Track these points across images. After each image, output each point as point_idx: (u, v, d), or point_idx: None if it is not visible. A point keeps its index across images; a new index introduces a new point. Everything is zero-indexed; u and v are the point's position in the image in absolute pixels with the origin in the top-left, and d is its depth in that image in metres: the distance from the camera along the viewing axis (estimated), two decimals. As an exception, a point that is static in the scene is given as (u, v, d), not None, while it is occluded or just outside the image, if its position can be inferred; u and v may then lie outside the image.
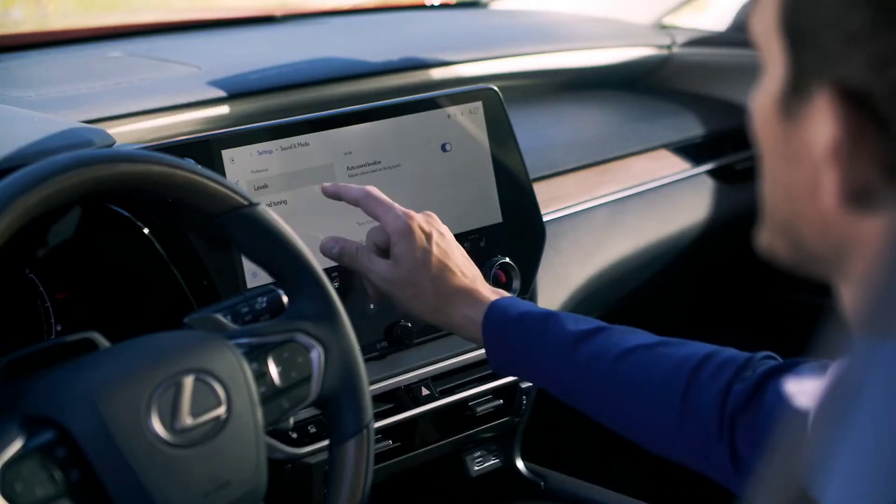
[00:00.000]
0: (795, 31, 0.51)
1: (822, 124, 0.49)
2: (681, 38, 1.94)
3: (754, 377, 0.90)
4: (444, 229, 1.09)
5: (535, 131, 1.54)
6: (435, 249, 1.06)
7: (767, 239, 0.57)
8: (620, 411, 0.99)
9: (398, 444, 1.18)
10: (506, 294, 1.07)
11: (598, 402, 1.00)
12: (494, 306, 1.03)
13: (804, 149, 0.51)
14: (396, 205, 1.08)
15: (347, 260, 1.09)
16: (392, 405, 1.17)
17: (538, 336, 1.00)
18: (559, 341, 0.99)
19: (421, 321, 1.10)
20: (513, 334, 1.01)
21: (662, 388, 0.94)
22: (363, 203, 1.08)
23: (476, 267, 1.09)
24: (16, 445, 0.72)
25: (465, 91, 1.25)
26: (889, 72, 0.47)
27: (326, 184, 1.11)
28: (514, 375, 1.04)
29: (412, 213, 1.07)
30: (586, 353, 0.98)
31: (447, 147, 1.23)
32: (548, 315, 1.01)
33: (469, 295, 1.05)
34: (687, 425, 0.93)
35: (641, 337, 0.99)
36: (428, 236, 1.06)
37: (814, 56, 0.50)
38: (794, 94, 0.51)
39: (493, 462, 1.31)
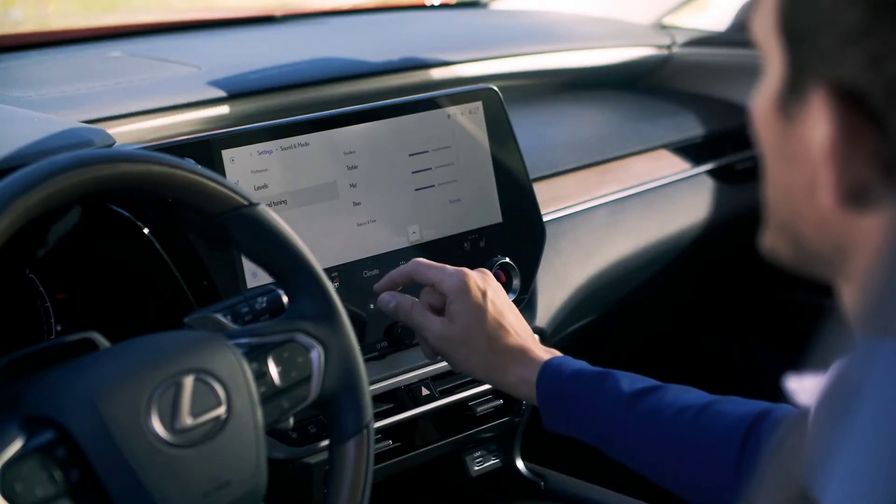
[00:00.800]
0: (792, 31, 0.51)
1: (819, 124, 0.50)
2: (681, 38, 1.94)
3: None
4: (498, 286, 1.09)
5: (535, 131, 1.54)
6: (490, 308, 1.06)
7: (770, 239, 0.57)
8: (676, 470, 0.99)
9: (398, 444, 1.18)
10: (557, 353, 1.07)
11: (653, 461, 1.00)
12: (548, 365, 1.04)
13: (802, 148, 0.51)
14: (448, 266, 1.08)
15: (403, 316, 1.10)
16: (392, 405, 1.17)
17: (593, 394, 1.01)
18: (614, 399, 1.00)
19: (475, 378, 1.11)
20: (567, 393, 1.02)
21: (718, 448, 0.95)
22: (416, 275, 1.09)
23: (528, 327, 1.10)
24: (16, 445, 0.72)
25: (465, 91, 1.25)
26: (884, 70, 0.47)
27: (376, 284, 1.12)
28: (568, 434, 1.04)
29: (467, 270, 1.07)
30: (641, 411, 0.99)
31: (447, 147, 1.23)
32: (603, 374, 1.02)
33: (523, 354, 1.05)
34: (743, 486, 0.92)
35: (696, 396, 0.99)
36: (483, 294, 1.06)
37: (810, 56, 0.50)
38: (792, 94, 0.51)
39: (493, 462, 1.31)
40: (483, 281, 1.08)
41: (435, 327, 1.07)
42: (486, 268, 1.23)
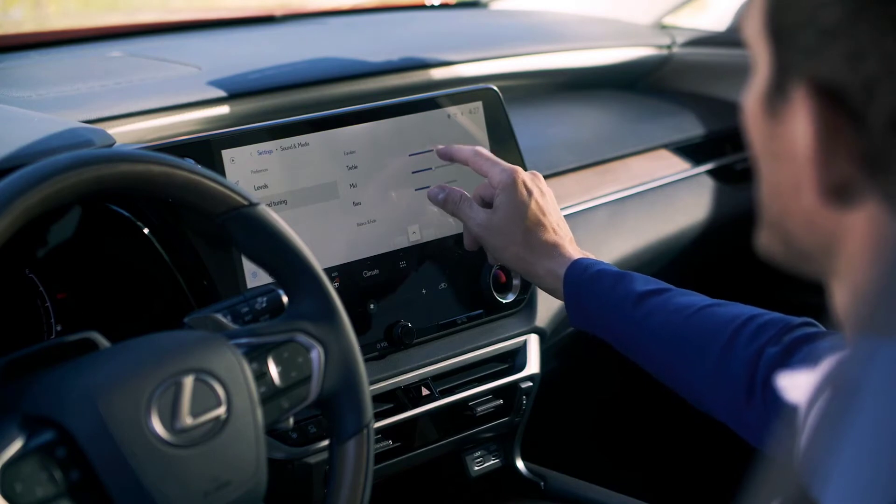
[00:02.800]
0: (777, 30, 0.52)
1: (802, 121, 0.50)
2: (681, 38, 1.94)
3: (788, 341, 0.92)
4: (547, 189, 1.15)
5: (535, 131, 1.54)
6: (532, 204, 1.11)
7: (764, 238, 0.58)
8: (666, 365, 1.04)
9: (398, 444, 1.18)
10: (590, 255, 1.12)
11: (653, 356, 1.05)
12: (577, 263, 1.09)
13: (787, 146, 0.52)
14: (503, 161, 1.15)
15: (451, 206, 1.16)
16: (392, 405, 1.17)
17: (608, 293, 1.06)
18: (624, 299, 1.05)
19: (508, 268, 1.17)
20: (587, 290, 1.07)
21: (704, 345, 0.99)
22: (472, 160, 1.16)
23: (569, 229, 1.14)
24: (16, 445, 0.72)
25: (465, 91, 1.25)
26: (862, 66, 0.48)
27: (440, 146, 1.19)
28: (587, 329, 1.10)
29: (518, 168, 1.13)
30: (647, 308, 1.04)
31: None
32: (621, 275, 1.07)
33: (555, 249, 1.10)
34: (720, 383, 0.97)
35: (697, 298, 1.04)
36: (529, 192, 1.12)
37: (792, 54, 0.51)
38: (777, 93, 0.52)
39: (493, 462, 1.31)
40: (532, 180, 1.13)
41: (478, 216, 1.13)
42: (485, 268, 1.23)
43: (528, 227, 1.10)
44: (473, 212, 1.14)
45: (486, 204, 1.15)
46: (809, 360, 0.88)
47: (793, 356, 0.92)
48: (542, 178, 1.15)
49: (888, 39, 0.47)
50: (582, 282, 1.07)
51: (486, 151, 1.16)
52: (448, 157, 1.19)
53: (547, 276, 1.10)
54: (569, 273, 1.08)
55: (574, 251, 1.11)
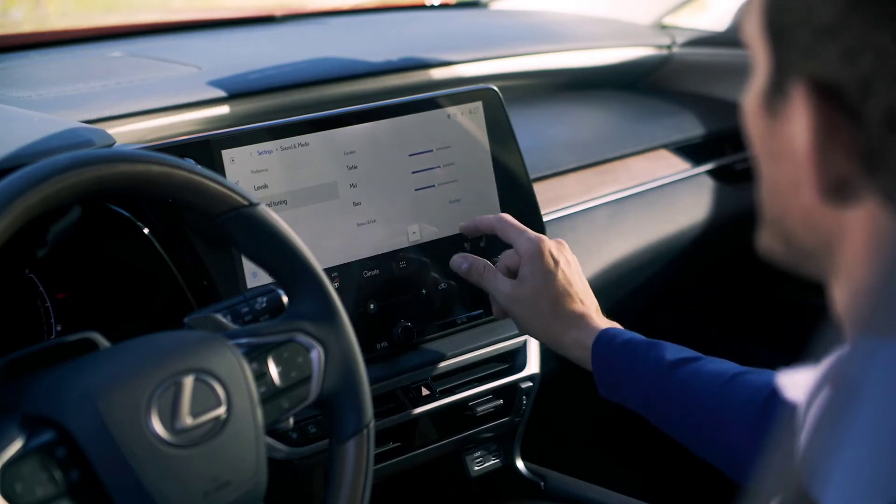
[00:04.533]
0: (775, 29, 0.52)
1: (800, 120, 0.50)
2: (681, 38, 1.94)
3: None
4: (572, 258, 1.15)
5: (535, 131, 1.54)
6: (559, 275, 1.11)
7: (765, 238, 0.58)
8: (701, 434, 1.03)
9: (398, 444, 1.18)
10: (617, 325, 1.11)
11: (685, 425, 1.04)
12: (604, 333, 1.08)
13: (786, 145, 0.52)
14: (529, 230, 1.14)
15: (475, 277, 1.17)
16: (392, 405, 1.17)
17: (639, 361, 1.06)
18: (656, 367, 1.04)
19: (536, 339, 1.16)
20: (618, 360, 1.07)
21: (741, 411, 0.98)
22: (499, 229, 1.16)
23: (594, 298, 1.14)
24: (16, 445, 0.72)
25: (465, 91, 1.25)
26: (858, 64, 0.48)
27: (462, 223, 1.20)
28: (618, 400, 1.09)
29: (545, 238, 1.13)
30: (678, 378, 1.03)
31: (447, 147, 1.23)
32: (650, 344, 1.07)
33: (583, 320, 1.10)
34: (759, 448, 0.95)
35: (731, 366, 1.03)
36: (556, 262, 1.12)
37: (790, 52, 0.51)
38: (776, 92, 0.53)
39: (493, 462, 1.31)
40: (557, 250, 1.13)
41: (505, 288, 1.13)
42: (486, 268, 1.23)
43: (555, 298, 1.10)
44: (499, 283, 1.14)
45: (512, 272, 1.14)
46: None
47: None
48: (566, 247, 1.15)
49: (883, 36, 0.47)
50: (611, 352, 1.07)
51: (511, 219, 1.16)
52: (473, 231, 1.19)
53: (574, 347, 1.10)
54: (597, 343, 1.08)
55: (601, 321, 1.11)
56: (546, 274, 1.11)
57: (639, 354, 1.06)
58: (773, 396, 0.96)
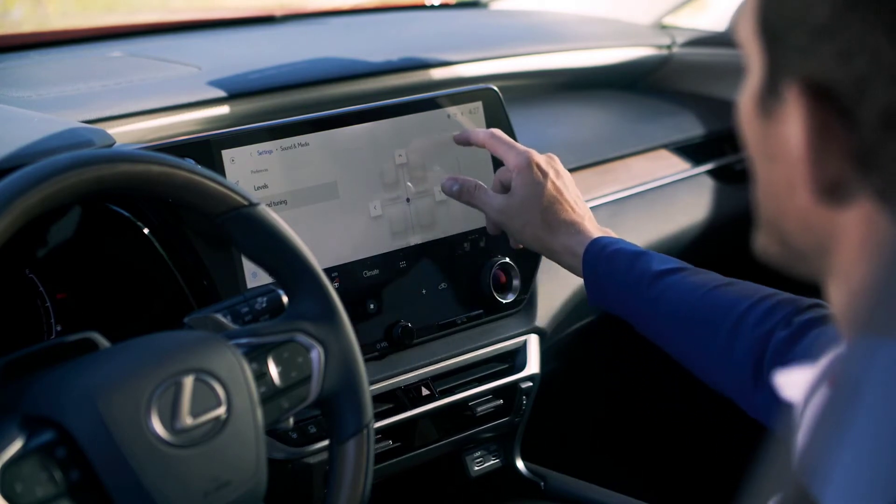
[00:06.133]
0: (769, 30, 0.52)
1: (794, 121, 0.50)
2: (681, 38, 1.94)
3: (797, 324, 0.93)
4: (563, 170, 1.16)
5: (535, 131, 1.54)
6: (549, 185, 1.12)
7: (761, 240, 0.58)
8: (678, 343, 1.04)
9: (398, 444, 1.18)
10: (610, 232, 1.12)
11: (667, 334, 1.05)
12: (595, 241, 1.09)
13: (781, 146, 0.52)
14: (519, 144, 1.16)
15: (466, 196, 1.18)
16: (392, 405, 1.17)
17: (625, 272, 1.07)
18: (640, 278, 1.06)
19: (530, 248, 1.16)
20: (604, 268, 1.08)
21: (714, 324, 1.00)
22: (489, 143, 1.18)
23: (587, 207, 1.15)
24: (16, 445, 0.72)
25: (465, 91, 1.25)
26: (853, 64, 0.48)
27: (456, 133, 1.21)
28: (604, 307, 1.10)
29: (533, 151, 1.15)
30: (661, 287, 1.04)
31: (447, 147, 1.23)
32: (638, 253, 1.08)
33: (574, 226, 1.11)
34: (729, 363, 0.98)
35: (711, 276, 1.05)
36: (545, 173, 1.13)
37: (784, 53, 0.51)
38: (770, 93, 0.53)
39: (493, 462, 1.31)
40: (547, 162, 1.15)
41: (496, 202, 1.15)
42: (486, 268, 1.23)
43: (546, 206, 1.11)
44: (489, 198, 1.15)
45: (506, 187, 1.16)
46: (816, 345, 0.89)
47: (801, 340, 0.92)
48: (557, 160, 1.16)
49: (878, 36, 0.47)
50: (600, 260, 1.08)
51: (501, 134, 1.18)
52: (465, 142, 1.20)
53: (565, 254, 1.11)
54: (588, 251, 1.09)
55: (593, 229, 1.12)
56: (536, 184, 1.12)
57: (626, 263, 1.06)
58: (750, 310, 0.97)
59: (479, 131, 1.19)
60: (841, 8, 0.48)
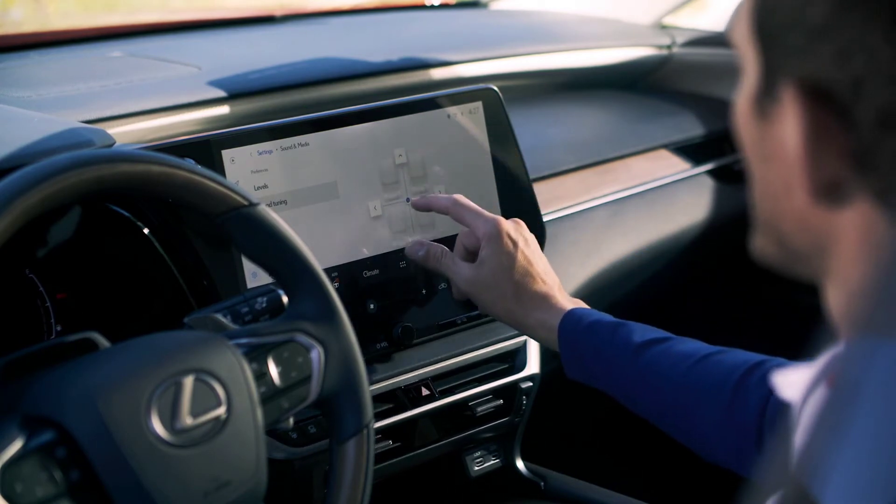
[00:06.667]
0: (765, 31, 0.52)
1: (791, 122, 0.50)
2: (681, 38, 1.94)
3: None
4: (531, 237, 1.13)
5: (535, 131, 1.54)
6: (519, 256, 1.09)
7: (758, 241, 0.58)
8: (671, 415, 1.02)
9: (398, 444, 1.18)
10: (582, 304, 1.09)
11: (655, 408, 1.03)
12: (570, 314, 1.06)
13: (778, 147, 0.52)
14: (485, 211, 1.12)
15: (433, 263, 1.15)
16: (392, 405, 1.17)
17: (606, 343, 1.04)
18: (623, 348, 1.03)
19: (501, 321, 1.13)
20: (584, 341, 1.05)
21: (710, 394, 0.97)
22: (452, 211, 1.13)
23: (556, 277, 1.12)
24: (16, 445, 0.72)
25: (465, 91, 1.25)
26: (850, 65, 0.48)
27: (416, 198, 1.17)
28: (584, 381, 1.07)
29: (501, 219, 1.11)
30: (646, 359, 1.01)
31: (447, 147, 1.23)
32: (618, 324, 1.05)
33: (546, 300, 1.08)
34: (729, 432, 0.95)
35: (698, 346, 1.02)
36: (514, 242, 1.10)
37: (781, 54, 0.51)
38: (766, 94, 0.53)
39: (493, 462, 1.31)
40: (515, 230, 1.11)
41: (464, 272, 1.11)
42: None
43: (517, 279, 1.08)
44: (458, 267, 1.12)
45: (471, 253, 1.12)
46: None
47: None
48: (524, 226, 1.13)
49: (875, 36, 0.47)
50: (577, 333, 1.05)
51: (465, 200, 1.13)
52: (425, 208, 1.16)
53: (539, 328, 1.08)
54: (563, 325, 1.06)
55: (565, 300, 1.09)
56: (506, 255, 1.08)
57: (606, 335, 1.04)
58: (745, 378, 0.95)
59: (442, 197, 1.15)
60: (838, 8, 0.48)
